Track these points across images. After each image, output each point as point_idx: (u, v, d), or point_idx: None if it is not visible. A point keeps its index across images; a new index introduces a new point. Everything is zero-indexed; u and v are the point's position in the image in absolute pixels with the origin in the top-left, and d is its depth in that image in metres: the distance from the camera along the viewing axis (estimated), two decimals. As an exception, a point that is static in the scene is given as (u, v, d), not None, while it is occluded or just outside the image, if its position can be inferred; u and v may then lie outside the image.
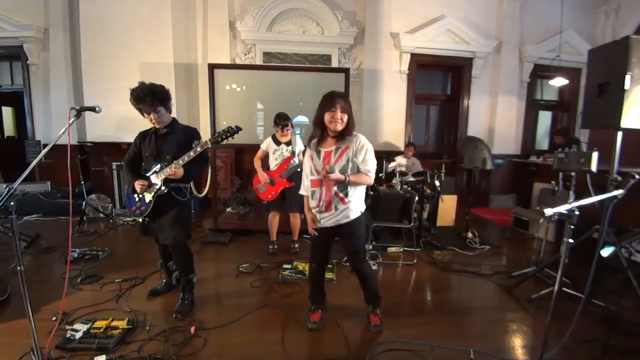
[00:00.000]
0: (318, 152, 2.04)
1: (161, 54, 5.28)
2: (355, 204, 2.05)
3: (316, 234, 2.13)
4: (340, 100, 1.92)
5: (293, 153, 3.39)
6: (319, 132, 2.02)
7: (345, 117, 1.93)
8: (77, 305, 2.37)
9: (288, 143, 3.41)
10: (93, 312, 2.30)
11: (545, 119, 6.77)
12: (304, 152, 3.39)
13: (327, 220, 2.05)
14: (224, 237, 3.98)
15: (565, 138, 4.85)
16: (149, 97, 2.09)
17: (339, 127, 1.94)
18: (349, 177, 1.94)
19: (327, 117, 1.93)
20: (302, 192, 2.18)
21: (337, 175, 1.93)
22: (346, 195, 2.01)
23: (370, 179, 2.02)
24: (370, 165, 2.00)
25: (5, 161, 5.87)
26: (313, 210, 2.10)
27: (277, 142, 3.44)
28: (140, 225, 2.37)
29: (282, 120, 3.34)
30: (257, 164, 3.49)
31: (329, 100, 1.93)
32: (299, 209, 3.51)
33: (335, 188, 1.99)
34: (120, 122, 5.13)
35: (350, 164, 1.98)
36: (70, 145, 2.25)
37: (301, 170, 3.42)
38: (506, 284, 2.91)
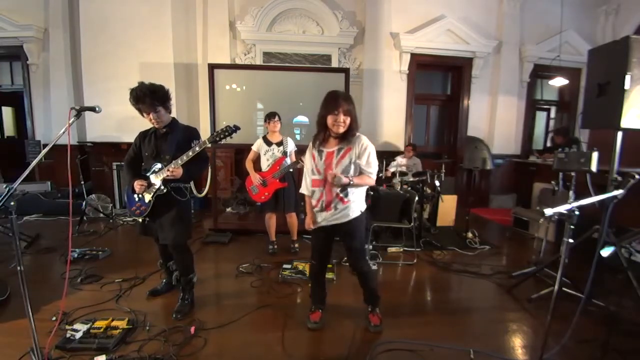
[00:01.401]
0: (320, 152, 2.03)
1: (161, 54, 5.28)
2: (356, 203, 2.05)
3: (313, 227, 2.13)
4: (344, 103, 1.90)
5: (285, 153, 3.39)
6: (321, 133, 2.01)
7: (348, 120, 1.93)
8: (77, 305, 2.37)
9: (279, 143, 3.42)
10: (93, 312, 2.30)
11: (543, 119, 6.77)
12: (297, 152, 3.43)
13: (327, 219, 2.05)
14: (224, 237, 3.98)
15: (565, 138, 4.85)
16: (148, 97, 2.09)
17: (341, 130, 1.93)
18: (353, 180, 1.94)
19: (329, 119, 1.93)
20: (303, 190, 2.17)
21: (343, 179, 1.91)
22: (346, 195, 2.01)
23: (372, 180, 2.03)
24: (373, 167, 2.01)
25: (5, 161, 5.87)
26: (315, 209, 2.09)
27: (269, 143, 3.43)
28: (140, 225, 2.38)
29: (267, 116, 3.39)
30: (249, 165, 3.48)
31: (333, 102, 1.92)
32: (294, 208, 3.51)
33: (335, 189, 1.99)
34: (120, 122, 5.13)
35: (352, 166, 1.98)
36: (70, 145, 2.24)
37: (293, 170, 3.45)
38: (506, 284, 2.91)
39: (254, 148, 3.49)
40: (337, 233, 2.12)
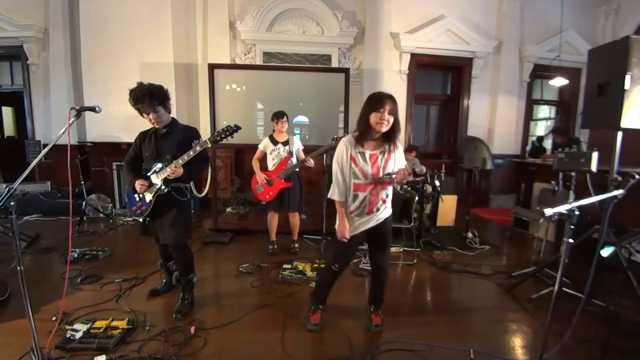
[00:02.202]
0: (362, 155, 1.95)
1: (161, 54, 5.27)
2: (390, 202, 2.10)
3: (348, 236, 2.03)
4: (389, 102, 1.88)
5: (290, 153, 3.38)
6: (363, 133, 1.94)
7: (392, 120, 1.90)
8: (77, 305, 2.37)
9: (285, 143, 3.41)
10: (93, 312, 2.30)
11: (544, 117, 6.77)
12: (303, 152, 3.43)
13: (367, 223, 2.04)
14: (224, 237, 3.98)
15: (564, 136, 4.82)
16: (147, 97, 2.09)
17: (384, 129, 1.89)
18: (409, 177, 1.93)
19: (373, 117, 1.87)
20: (334, 196, 2.03)
21: (407, 169, 1.87)
22: (387, 196, 2.05)
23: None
24: (403, 161, 2.05)
25: (5, 161, 5.87)
26: (352, 215, 2.03)
27: (275, 142, 3.43)
28: (140, 225, 2.38)
29: (276, 115, 3.38)
30: (255, 164, 3.49)
31: (378, 101, 1.87)
32: (297, 208, 3.51)
33: (383, 193, 2.01)
34: (120, 122, 5.12)
35: (395, 168, 1.99)
36: (70, 145, 2.24)
37: (299, 170, 3.45)
38: (506, 284, 2.91)
39: (260, 147, 3.50)
40: (369, 234, 2.09)
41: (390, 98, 1.91)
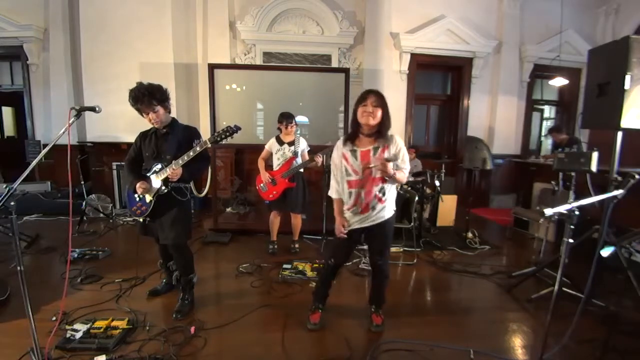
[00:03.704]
0: (353, 152, 1.99)
1: (161, 54, 5.28)
2: (390, 203, 2.05)
3: (344, 231, 2.05)
4: (373, 96, 1.90)
5: (295, 153, 3.38)
6: (353, 130, 2.00)
7: (379, 112, 1.90)
8: (77, 305, 2.37)
9: (291, 143, 3.41)
10: (93, 312, 2.30)
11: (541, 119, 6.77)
12: (310, 152, 3.43)
13: (363, 221, 2.03)
14: (224, 237, 3.98)
15: (560, 133, 4.78)
16: (147, 97, 2.09)
17: (371, 121, 1.89)
18: (395, 174, 1.93)
19: (359, 111, 1.92)
20: (332, 194, 2.11)
21: (388, 168, 1.87)
22: (383, 194, 2.01)
23: (405, 177, 2.03)
24: (407, 164, 2.02)
25: (5, 161, 5.87)
26: (348, 212, 2.05)
27: (281, 142, 3.44)
28: (140, 225, 2.38)
29: (286, 118, 3.37)
30: (261, 164, 3.50)
31: (362, 95, 1.94)
32: (300, 209, 3.51)
33: (375, 189, 1.98)
34: (120, 122, 5.12)
35: (391, 164, 1.96)
36: (70, 145, 2.25)
37: (303, 170, 3.46)
38: (506, 284, 2.91)
39: (267, 147, 3.51)
40: (368, 234, 2.10)
41: (376, 92, 1.93)
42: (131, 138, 2.43)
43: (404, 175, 2.00)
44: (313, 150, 3.49)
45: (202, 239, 3.93)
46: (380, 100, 1.91)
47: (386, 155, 1.93)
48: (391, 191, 2.06)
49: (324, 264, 2.33)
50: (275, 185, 3.39)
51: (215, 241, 3.90)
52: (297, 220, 3.57)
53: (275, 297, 2.64)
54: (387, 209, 2.05)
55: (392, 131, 2.03)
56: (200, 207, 5.36)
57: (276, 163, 3.45)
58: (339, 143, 2.06)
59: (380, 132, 1.94)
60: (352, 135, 2.01)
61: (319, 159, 3.30)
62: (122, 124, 5.11)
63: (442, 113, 6.53)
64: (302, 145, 3.45)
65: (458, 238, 4.14)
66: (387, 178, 1.94)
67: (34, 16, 5.37)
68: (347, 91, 4.11)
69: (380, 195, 2.00)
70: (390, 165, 1.88)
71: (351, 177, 2.00)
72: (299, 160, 3.40)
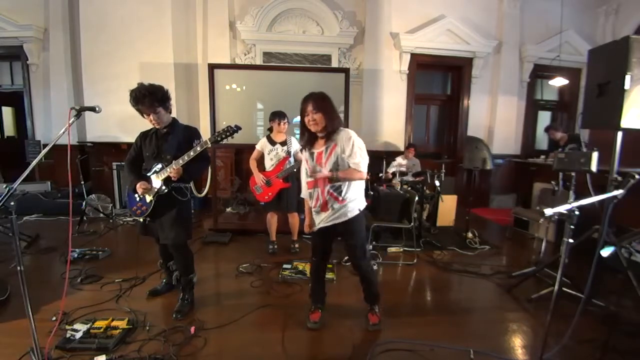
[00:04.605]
0: (311, 154, 2.08)
1: (161, 54, 5.28)
2: (353, 202, 2.05)
3: (310, 230, 2.21)
4: (310, 102, 1.94)
5: (289, 153, 3.38)
6: (305, 135, 2.06)
7: (319, 116, 1.93)
8: (77, 305, 2.37)
9: (283, 143, 3.41)
10: (93, 312, 2.30)
11: (545, 119, 6.76)
12: (301, 151, 3.43)
13: (326, 220, 2.06)
14: (224, 237, 3.98)
15: (558, 131, 4.74)
16: (147, 97, 2.10)
17: (314, 129, 1.97)
18: (337, 174, 1.96)
19: (305, 121, 1.99)
20: (303, 195, 2.22)
21: (323, 173, 1.95)
22: (340, 193, 2.01)
23: (361, 173, 1.98)
24: (357, 158, 1.96)
25: (5, 161, 5.87)
26: (313, 210, 2.13)
27: (273, 143, 3.42)
28: (140, 225, 2.38)
29: (278, 115, 3.36)
30: (253, 165, 3.47)
31: (302, 105, 1.99)
32: (296, 209, 3.51)
33: (328, 187, 2.00)
34: (120, 122, 5.13)
35: (340, 162, 1.98)
36: (70, 145, 2.25)
37: (298, 170, 3.45)
38: (506, 284, 2.91)
39: (257, 147, 3.49)
40: (337, 232, 2.12)
41: (314, 97, 1.96)
42: (131, 138, 2.43)
43: (356, 172, 1.97)
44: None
45: (202, 239, 3.93)
46: (318, 103, 1.94)
47: (336, 151, 1.97)
48: (352, 190, 2.03)
49: (311, 265, 2.35)
50: (270, 186, 3.38)
51: (215, 241, 3.90)
52: (294, 220, 3.56)
53: (275, 297, 2.64)
54: (350, 208, 2.04)
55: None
56: (200, 207, 5.36)
57: (269, 163, 3.43)
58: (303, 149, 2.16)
59: (330, 133, 1.99)
60: (310, 139, 2.07)
61: None
62: (122, 124, 5.12)
63: (442, 113, 6.53)
64: (295, 145, 3.45)
65: (458, 238, 4.14)
66: (331, 179, 1.97)
67: (34, 16, 5.38)
68: (347, 91, 4.11)
69: (336, 194, 2.01)
70: (325, 169, 1.95)
71: (309, 178, 2.07)
72: (292, 160, 3.39)
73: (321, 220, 2.08)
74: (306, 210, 2.23)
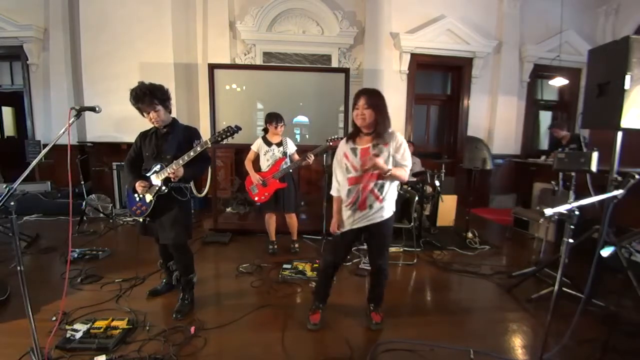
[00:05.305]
0: (353, 150, 2.04)
1: (161, 54, 5.27)
2: (389, 203, 2.06)
3: (338, 231, 2.13)
4: (364, 97, 1.95)
5: (285, 154, 3.39)
6: (353, 130, 2.06)
7: (369, 112, 1.93)
8: (77, 305, 2.37)
9: (279, 144, 3.41)
10: (93, 312, 2.30)
11: (545, 119, 6.76)
12: (297, 153, 3.43)
13: (360, 220, 2.05)
14: (224, 237, 3.98)
15: (563, 130, 4.77)
16: (147, 96, 2.10)
17: (360, 122, 1.96)
18: (391, 170, 1.94)
19: (353, 114, 1.99)
20: (333, 192, 2.17)
21: (380, 164, 1.89)
22: (382, 192, 2.01)
23: (406, 175, 2.02)
24: (407, 161, 2.01)
25: (5, 161, 5.87)
26: (346, 210, 2.08)
27: (268, 143, 3.42)
28: (140, 225, 2.38)
29: (275, 118, 3.36)
30: (249, 165, 3.46)
31: (354, 98, 1.99)
32: (292, 209, 3.51)
33: (372, 185, 1.99)
34: (120, 122, 5.13)
35: (390, 160, 1.98)
36: (70, 145, 2.25)
37: (293, 171, 3.46)
38: (506, 284, 2.91)
39: (253, 148, 3.48)
40: (366, 234, 2.11)
41: (367, 92, 1.98)
42: (131, 138, 2.43)
43: (404, 172, 2.00)
44: (302, 150, 3.49)
45: (202, 239, 3.93)
46: (372, 100, 1.94)
47: (389, 150, 1.97)
48: (391, 191, 2.06)
49: (323, 262, 2.34)
50: (266, 186, 3.38)
51: (215, 241, 3.90)
52: (292, 220, 3.56)
53: (275, 297, 2.64)
54: (386, 210, 2.06)
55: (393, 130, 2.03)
56: (200, 207, 5.36)
57: (266, 164, 3.43)
58: (342, 141, 2.13)
59: (377, 131, 1.97)
60: (353, 134, 2.06)
61: (311, 157, 3.30)
62: (122, 124, 5.12)
63: (442, 113, 6.53)
64: (291, 147, 3.46)
65: (458, 238, 4.14)
66: (383, 174, 1.94)
67: (34, 16, 5.38)
68: (347, 91, 4.10)
69: (378, 193, 2.01)
70: (380, 159, 1.89)
71: (351, 173, 2.04)
72: (289, 161, 3.40)
73: (355, 220, 2.05)
74: (335, 208, 2.15)
